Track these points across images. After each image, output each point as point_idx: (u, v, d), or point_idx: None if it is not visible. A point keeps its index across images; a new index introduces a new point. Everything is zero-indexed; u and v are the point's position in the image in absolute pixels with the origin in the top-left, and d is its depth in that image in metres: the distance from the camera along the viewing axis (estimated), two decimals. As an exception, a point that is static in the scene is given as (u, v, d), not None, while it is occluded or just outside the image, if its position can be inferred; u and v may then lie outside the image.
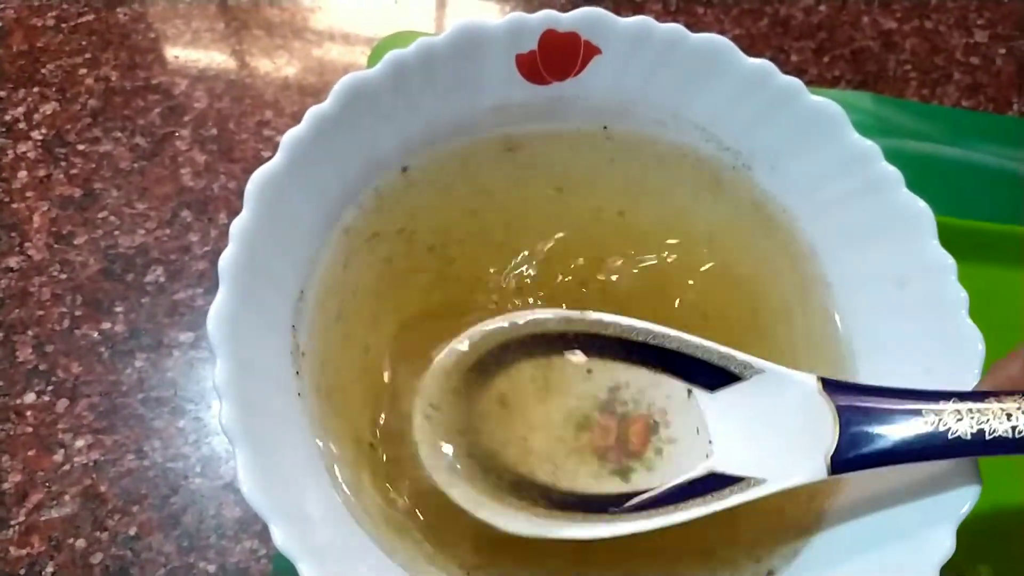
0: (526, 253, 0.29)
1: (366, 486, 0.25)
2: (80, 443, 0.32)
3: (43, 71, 0.41)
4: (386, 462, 0.26)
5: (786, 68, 0.29)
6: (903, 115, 0.40)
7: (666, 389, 0.26)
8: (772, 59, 0.28)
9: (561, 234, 0.30)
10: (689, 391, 0.26)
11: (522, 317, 0.26)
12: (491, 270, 0.29)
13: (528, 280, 0.29)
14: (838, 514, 0.26)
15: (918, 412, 0.22)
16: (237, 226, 0.24)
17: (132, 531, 0.31)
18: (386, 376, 0.27)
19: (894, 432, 0.22)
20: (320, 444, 0.25)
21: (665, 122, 0.30)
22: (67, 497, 0.31)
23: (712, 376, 0.26)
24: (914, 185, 0.27)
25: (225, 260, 0.24)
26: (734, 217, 0.30)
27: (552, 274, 0.29)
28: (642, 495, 0.25)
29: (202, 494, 0.31)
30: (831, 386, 0.24)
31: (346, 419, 0.26)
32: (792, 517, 0.26)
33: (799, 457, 0.24)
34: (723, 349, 0.25)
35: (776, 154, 0.29)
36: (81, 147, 0.39)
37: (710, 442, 0.25)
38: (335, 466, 0.25)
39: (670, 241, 0.30)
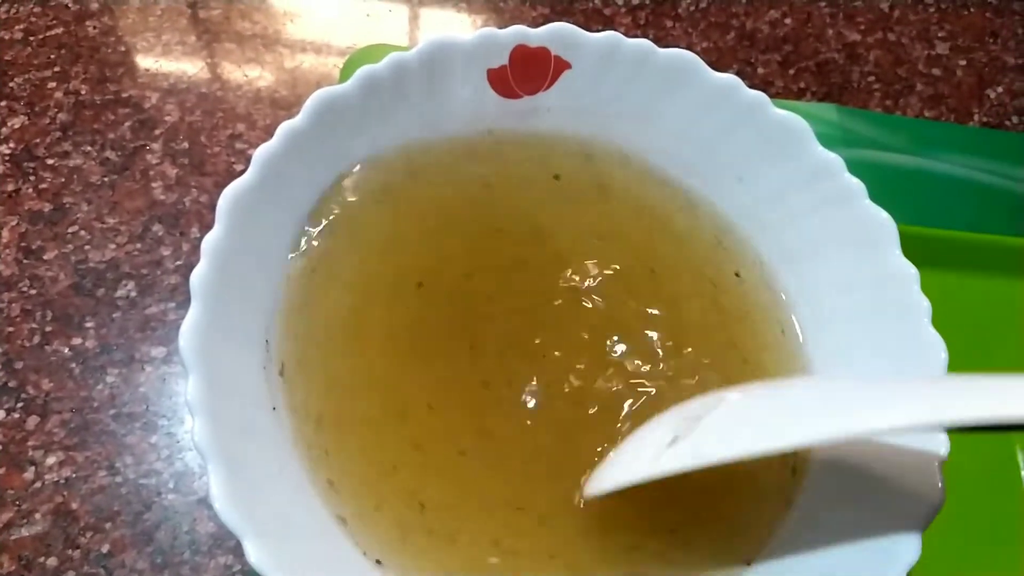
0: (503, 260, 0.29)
1: (345, 496, 0.26)
2: (51, 460, 0.32)
3: (11, 84, 0.41)
4: (367, 472, 0.26)
5: (753, 81, 0.29)
6: (867, 126, 0.41)
7: None
8: (739, 72, 0.29)
9: (535, 239, 0.30)
10: None
11: None
12: (472, 283, 0.29)
13: (508, 297, 0.29)
14: (803, 520, 0.26)
15: None
16: (209, 242, 0.24)
17: (105, 548, 0.30)
18: (365, 386, 0.27)
19: None
20: (295, 457, 0.25)
21: (634, 135, 0.31)
22: (38, 515, 0.31)
23: None
24: (878, 194, 0.28)
25: (197, 276, 0.24)
26: (699, 228, 0.31)
27: (532, 284, 0.29)
28: None
29: (176, 510, 0.31)
30: None
31: (323, 431, 0.26)
32: (758, 519, 0.26)
33: None
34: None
35: (742, 167, 0.30)
36: (50, 161, 0.39)
37: None
38: (311, 479, 0.25)
39: (638, 247, 0.30)
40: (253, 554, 0.21)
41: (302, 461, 0.25)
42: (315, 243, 0.28)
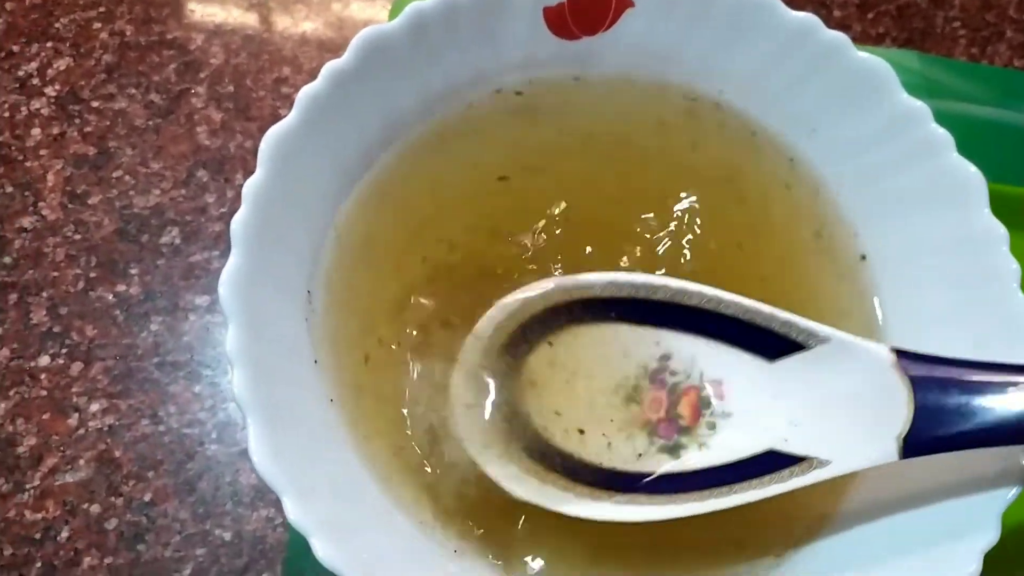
0: (553, 211, 0.28)
1: (385, 454, 0.25)
2: (95, 407, 0.32)
3: (56, 25, 0.40)
4: (408, 428, 0.25)
5: (828, 24, 0.27)
6: (951, 75, 0.38)
7: (723, 358, 0.24)
8: (814, 14, 0.27)
9: (583, 193, 0.29)
10: (746, 359, 0.24)
11: (568, 282, 0.25)
12: (517, 229, 0.28)
13: (556, 236, 0.28)
14: (870, 500, 0.25)
15: (1004, 388, 0.20)
16: (250, 187, 0.24)
17: (147, 497, 0.30)
18: (408, 342, 0.26)
19: (976, 412, 0.21)
20: (336, 412, 0.25)
21: (699, 80, 0.29)
22: (82, 462, 0.31)
23: (772, 345, 0.23)
24: (962, 150, 0.25)
25: (237, 222, 0.23)
26: (765, 187, 0.29)
27: (580, 234, 0.28)
28: (690, 473, 0.23)
29: (218, 460, 0.31)
30: (906, 359, 0.22)
31: (365, 385, 0.25)
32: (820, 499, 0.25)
33: (867, 437, 0.22)
34: (784, 315, 0.23)
35: (817, 116, 0.28)
36: (95, 104, 0.38)
37: (769, 417, 0.23)
38: (352, 435, 0.25)
39: (692, 202, 0.28)
40: (292, 511, 0.20)
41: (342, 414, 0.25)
42: (361, 189, 0.27)
